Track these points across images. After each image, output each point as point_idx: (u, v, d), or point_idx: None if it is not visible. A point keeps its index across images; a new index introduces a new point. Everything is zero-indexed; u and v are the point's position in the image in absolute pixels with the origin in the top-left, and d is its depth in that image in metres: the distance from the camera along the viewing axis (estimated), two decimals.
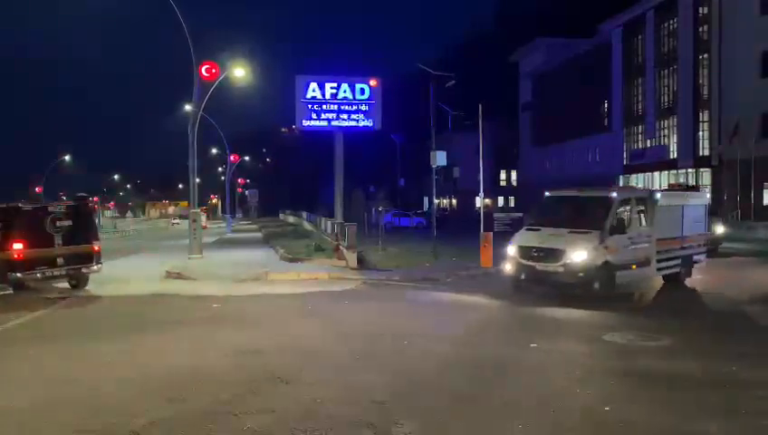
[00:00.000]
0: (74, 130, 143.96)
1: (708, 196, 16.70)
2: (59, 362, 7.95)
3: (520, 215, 37.58)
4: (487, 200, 54.63)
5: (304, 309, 11.67)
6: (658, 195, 13.75)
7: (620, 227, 12.12)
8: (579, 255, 11.53)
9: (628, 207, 12.74)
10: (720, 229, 20.86)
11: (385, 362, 7.72)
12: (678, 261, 13.83)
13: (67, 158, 68.11)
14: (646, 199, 13.30)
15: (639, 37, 44.87)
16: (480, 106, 19.20)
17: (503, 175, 71.03)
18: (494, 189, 63.14)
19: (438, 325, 10.27)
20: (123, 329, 9.99)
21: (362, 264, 17.52)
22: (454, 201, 71.37)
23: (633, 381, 6.86)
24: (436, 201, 25.91)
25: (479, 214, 18.96)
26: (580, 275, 11.47)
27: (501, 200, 68.54)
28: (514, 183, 70.09)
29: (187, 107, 26.82)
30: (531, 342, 8.63)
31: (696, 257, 14.53)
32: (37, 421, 5.77)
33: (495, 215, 34.14)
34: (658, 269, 13.29)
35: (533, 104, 62.05)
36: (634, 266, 12.45)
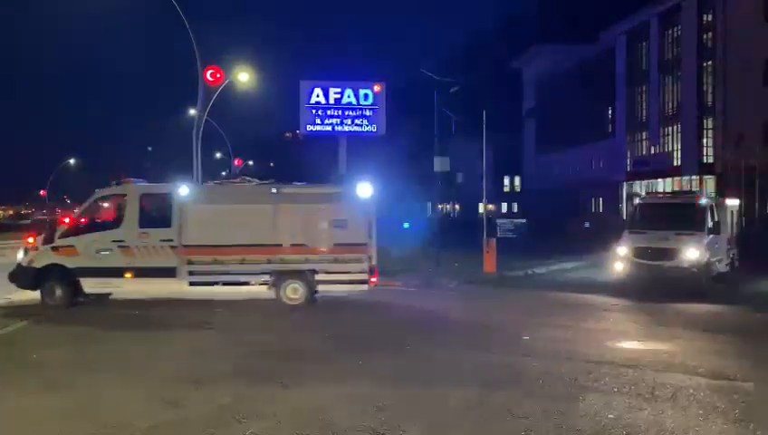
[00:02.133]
0: (80, 133, 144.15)
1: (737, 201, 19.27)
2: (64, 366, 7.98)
3: (523, 221, 37.56)
4: (490, 206, 54.58)
5: (307, 314, 11.68)
6: (728, 201, 16.81)
7: (716, 229, 14.42)
8: (692, 253, 13.73)
9: (713, 212, 14.78)
10: None
11: (384, 364, 7.72)
12: (728, 257, 15.90)
13: (72, 161, 68.30)
14: (719, 205, 15.66)
15: (643, 44, 44.87)
16: (484, 112, 19.24)
17: (506, 181, 71.00)
18: (497, 195, 63.11)
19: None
20: (134, 328, 10.03)
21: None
22: (457, 207, 71.38)
23: None
24: (438, 206, 25.90)
25: (482, 219, 18.96)
26: (694, 270, 13.67)
27: (504, 206, 68.49)
28: (518, 189, 70.06)
29: (192, 111, 26.90)
30: None
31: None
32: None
33: (499, 221, 34.14)
34: (726, 264, 15.54)
35: (537, 110, 62.08)
36: (718, 263, 14.76)
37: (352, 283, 12.12)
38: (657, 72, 43.21)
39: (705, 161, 38.84)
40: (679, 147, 41.23)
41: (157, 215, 12.57)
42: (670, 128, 42.43)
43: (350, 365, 7.86)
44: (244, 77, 24.22)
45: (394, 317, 11.56)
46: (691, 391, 6.70)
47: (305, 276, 12.13)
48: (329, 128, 21.81)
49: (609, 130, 50.06)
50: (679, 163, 41.00)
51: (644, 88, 45.12)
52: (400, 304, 12.79)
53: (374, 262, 12.07)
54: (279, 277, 12.15)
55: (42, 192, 60.80)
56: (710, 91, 38.41)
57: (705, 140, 39.01)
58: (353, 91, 21.64)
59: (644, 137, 45.49)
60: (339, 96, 21.60)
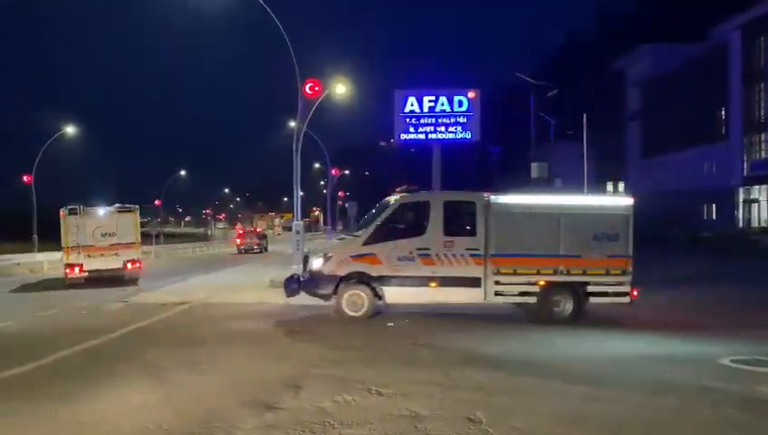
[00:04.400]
0: (191, 147, 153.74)
1: None
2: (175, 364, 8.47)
3: None
4: None
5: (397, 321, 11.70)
6: None
7: None
8: None
9: None
10: None
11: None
12: None
13: (183, 173, 72.90)
14: None
15: (761, 39, 41.59)
16: (584, 116, 18.55)
17: (609, 187, 68.06)
18: None
19: None
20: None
21: None
22: None
23: None
24: None
25: None
26: None
27: None
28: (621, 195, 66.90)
29: (292, 123, 27.89)
30: None
31: None
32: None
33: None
34: None
35: (641, 113, 59.07)
36: None
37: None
38: None
39: None
40: None
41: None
42: None
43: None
44: (340, 89, 24.88)
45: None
46: None
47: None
48: (422, 136, 21.85)
49: (723, 132, 46.76)
50: None
51: (762, 86, 41.80)
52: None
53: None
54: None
55: (157, 202, 65.09)
56: None
57: None
58: (447, 98, 21.56)
59: (762, 139, 42.13)
60: (433, 104, 21.60)
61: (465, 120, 21.47)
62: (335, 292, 12.07)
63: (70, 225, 20.09)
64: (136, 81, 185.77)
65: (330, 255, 12.47)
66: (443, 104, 21.55)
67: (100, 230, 20.13)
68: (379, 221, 12.36)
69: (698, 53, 48.32)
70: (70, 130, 40.13)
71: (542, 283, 11.74)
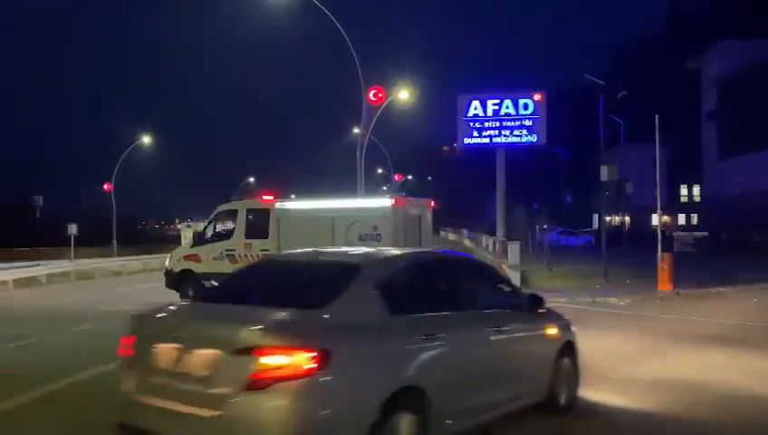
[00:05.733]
0: (258, 155, 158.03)
1: None
2: None
3: (705, 234, 34.21)
4: (665, 218, 50.38)
5: None
6: None
7: None
8: None
9: None
10: None
11: None
12: None
13: (251, 179, 74.99)
14: None
15: None
16: (656, 117, 17.79)
17: (683, 190, 65.15)
18: (672, 206, 58.11)
19: None
20: None
21: (525, 283, 16.98)
22: (626, 219, 66.90)
23: None
24: (606, 219, 24.43)
25: (656, 233, 17.50)
26: None
27: (681, 218, 62.79)
28: (697, 199, 63.91)
29: (356, 129, 28.18)
30: None
31: None
32: None
33: (676, 234, 31.44)
34: None
35: (719, 112, 56.23)
36: None
37: None
38: None
39: None
40: None
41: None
42: None
43: None
44: (404, 95, 24.99)
45: None
46: None
47: None
48: (486, 140, 21.54)
49: None
50: None
51: None
52: None
53: None
54: None
55: None
56: None
57: None
58: (512, 101, 21.20)
59: None
60: (497, 107, 21.28)
61: (530, 123, 21.03)
62: (176, 287, 14.53)
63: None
64: (208, 94, 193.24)
65: (172, 255, 15.03)
66: (507, 107, 21.19)
67: None
68: (204, 225, 14.95)
69: None
70: (146, 140, 42.08)
71: None
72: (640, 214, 56.15)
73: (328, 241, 12.46)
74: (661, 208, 19.43)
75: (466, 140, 21.75)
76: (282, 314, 3.90)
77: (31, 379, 7.39)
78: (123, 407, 4.11)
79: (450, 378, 4.38)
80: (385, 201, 12.93)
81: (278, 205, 13.69)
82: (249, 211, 14.28)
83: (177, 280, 14.78)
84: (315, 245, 12.07)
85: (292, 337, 3.62)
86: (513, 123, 21.16)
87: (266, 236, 13.66)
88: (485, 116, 21.32)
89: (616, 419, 5.82)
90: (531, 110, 21.04)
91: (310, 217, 13.25)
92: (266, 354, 3.49)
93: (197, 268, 14.45)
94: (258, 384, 3.47)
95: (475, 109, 21.41)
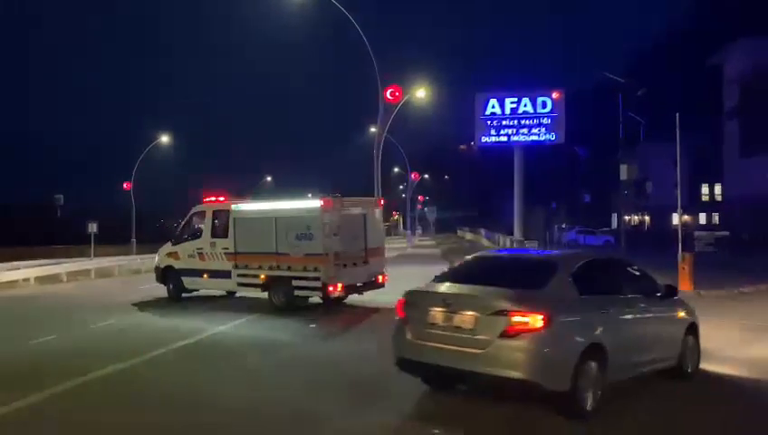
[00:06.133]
0: (276, 153, 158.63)
1: None
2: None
3: (726, 233, 33.69)
4: (686, 217, 49.68)
5: None
6: None
7: None
8: None
9: None
10: None
11: None
12: None
13: (269, 178, 75.33)
14: None
15: None
16: (677, 115, 17.54)
17: (704, 189, 64.13)
18: (693, 205, 57.25)
19: None
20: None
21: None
22: (646, 218, 66.11)
23: None
24: (626, 218, 24.16)
25: (676, 232, 17.26)
26: None
27: (702, 217, 61.87)
28: (718, 198, 62.95)
29: (372, 129, 28.16)
30: None
31: None
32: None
33: (697, 233, 30.97)
34: None
35: (741, 110, 55.26)
36: None
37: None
38: None
39: None
40: None
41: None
42: None
43: None
44: (421, 93, 24.92)
45: None
46: None
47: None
48: (504, 138, 21.39)
49: None
50: None
51: None
52: None
53: None
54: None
55: None
56: None
57: None
58: (530, 99, 21.03)
59: None
60: (515, 106, 21.12)
61: (548, 121, 20.85)
62: (163, 281, 16.11)
63: None
64: (226, 94, 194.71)
65: (159, 252, 16.38)
66: (525, 105, 21.03)
67: None
68: (181, 225, 16.18)
69: None
70: (164, 139, 42.42)
71: (263, 276, 13.77)
72: (661, 213, 55.44)
73: (272, 240, 13.62)
74: (682, 207, 19.15)
75: (484, 139, 21.61)
76: (519, 292, 5.87)
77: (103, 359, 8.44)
78: (404, 348, 6.31)
79: (619, 341, 6.19)
80: (315, 203, 13.49)
81: (234, 207, 14.68)
82: (215, 213, 15.18)
83: (162, 275, 16.21)
84: (263, 244, 13.88)
85: (530, 306, 5.65)
86: (531, 122, 20.99)
87: (227, 236, 14.61)
88: (503, 114, 21.18)
89: (729, 383, 7.42)
90: (549, 108, 20.86)
91: (257, 219, 14.24)
92: (515, 315, 5.59)
93: (177, 265, 15.73)
94: (509, 333, 5.58)
95: (493, 107, 21.26)
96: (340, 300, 13.84)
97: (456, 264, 7.83)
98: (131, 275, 25.46)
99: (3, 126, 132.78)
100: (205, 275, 15.08)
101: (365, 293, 14.05)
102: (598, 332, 5.96)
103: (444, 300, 6.09)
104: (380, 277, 14.26)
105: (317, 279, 12.97)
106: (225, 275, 14.52)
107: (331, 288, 12.85)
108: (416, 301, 6.37)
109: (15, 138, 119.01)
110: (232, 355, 9.46)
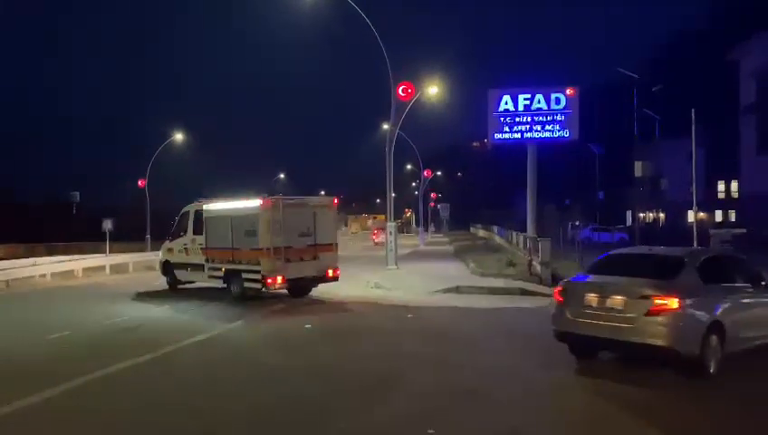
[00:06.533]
0: (288, 150, 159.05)
1: None
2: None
3: (743, 230, 33.28)
4: (702, 214, 49.16)
5: (496, 324, 11.44)
6: None
7: None
8: None
9: None
10: None
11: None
12: None
13: (282, 176, 75.57)
14: None
15: None
16: (692, 111, 17.35)
17: (720, 186, 63.42)
18: (709, 202, 56.64)
19: None
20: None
21: (556, 280, 16.73)
22: (661, 215, 65.51)
23: None
24: (640, 215, 23.95)
25: (692, 229, 17.08)
26: None
27: (719, 214, 61.19)
28: (734, 195, 62.21)
29: (385, 126, 28.12)
30: None
31: None
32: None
33: (712, 231, 30.55)
34: None
35: (758, 106, 54.52)
36: None
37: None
38: None
39: None
40: None
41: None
42: None
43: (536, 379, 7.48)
44: (433, 90, 24.82)
45: None
46: None
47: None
48: (517, 135, 21.27)
49: None
50: None
51: None
52: None
53: None
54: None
55: None
56: None
57: None
58: (544, 96, 20.89)
59: None
60: (528, 102, 20.99)
61: (562, 118, 20.72)
62: (164, 273, 17.89)
63: None
64: (240, 92, 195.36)
65: (162, 248, 18.22)
66: (539, 102, 20.90)
67: None
68: (175, 224, 17.61)
69: None
70: (178, 136, 42.63)
71: (223, 269, 15.09)
72: (676, 210, 54.91)
73: (229, 237, 14.86)
74: (697, 205, 18.96)
75: (497, 136, 21.50)
76: (659, 281, 7.43)
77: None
78: (564, 324, 7.93)
79: (734, 319, 7.63)
80: (255, 202, 14.44)
81: (204, 207, 15.99)
82: (195, 212, 16.51)
83: (164, 268, 18.04)
84: (224, 241, 15.17)
85: (669, 291, 7.19)
86: (544, 118, 20.86)
87: (202, 233, 15.95)
88: (516, 111, 21.06)
89: None
90: (563, 105, 20.72)
91: (220, 217, 15.41)
92: (657, 299, 7.13)
93: (172, 259, 17.54)
94: (652, 313, 7.11)
95: (506, 104, 21.14)
96: (303, 293, 14.94)
97: (595, 259, 9.10)
98: (146, 271, 25.65)
99: (23, 126, 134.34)
100: (188, 269, 16.75)
101: (320, 285, 15.03)
102: (718, 312, 7.40)
103: (598, 287, 7.73)
104: (331, 271, 14.95)
105: (258, 272, 13.96)
106: (202, 268, 15.93)
107: (269, 280, 13.77)
108: (572, 288, 8.09)
109: (33, 137, 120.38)
110: (245, 352, 9.53)
